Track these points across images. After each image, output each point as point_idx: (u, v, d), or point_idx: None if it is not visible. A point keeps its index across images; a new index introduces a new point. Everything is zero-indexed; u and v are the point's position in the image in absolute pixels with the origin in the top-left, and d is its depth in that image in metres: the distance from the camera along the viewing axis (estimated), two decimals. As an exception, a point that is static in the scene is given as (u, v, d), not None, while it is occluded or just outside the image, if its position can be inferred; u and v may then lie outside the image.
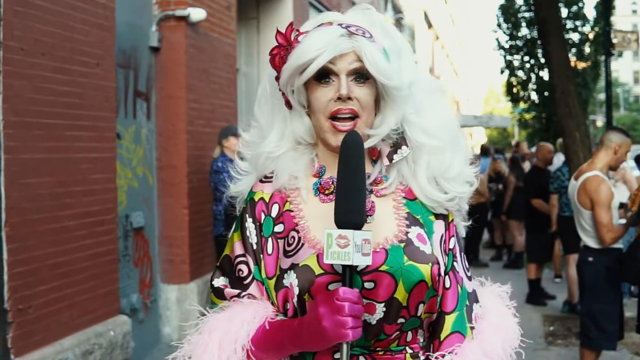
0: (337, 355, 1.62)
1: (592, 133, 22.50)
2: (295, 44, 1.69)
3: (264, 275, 1.73)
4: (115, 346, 5.45)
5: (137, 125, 6.48)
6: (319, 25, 1.72)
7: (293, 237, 1.71)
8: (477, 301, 1.77)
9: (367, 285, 1.62)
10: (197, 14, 6.85)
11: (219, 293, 1.77)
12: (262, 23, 9.84)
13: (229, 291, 1.74)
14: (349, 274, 1.55)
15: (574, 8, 19.31)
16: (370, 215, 1.69)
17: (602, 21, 14.95)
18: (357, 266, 1.56)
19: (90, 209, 5.30)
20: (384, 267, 1.63)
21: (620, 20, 43.52)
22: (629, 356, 6.53)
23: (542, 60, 17.42)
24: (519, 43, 19.99)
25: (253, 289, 1.73)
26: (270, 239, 1.74)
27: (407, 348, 1.70)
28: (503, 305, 1.83)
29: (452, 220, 1.78)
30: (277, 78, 1.73)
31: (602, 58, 15.23)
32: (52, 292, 4.83)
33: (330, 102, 1.66)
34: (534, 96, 20.29)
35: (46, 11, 4.80)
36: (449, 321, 1.70)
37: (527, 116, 21.72)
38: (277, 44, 1.72)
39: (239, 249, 1.76)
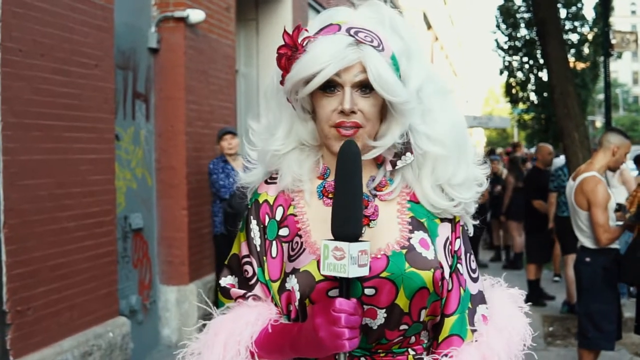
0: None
1: (591, 134, 22.50)
2: (301, 51, 1.63)
3: (267, 278, 1.73)
4: (114, 347, 5.45)
5: (136, 127, 6.48)
6: (327, 26, 1.67)
7: (297, 242, 1.71)
8: (483, 302, 1.75)
9: (368, 291, 1.61)
10: (196, 15, 6.85)
11: (225, 292, 1.77)
12: (261, 24, 9.84)
13: (235, 291, 1.75)
14: (345, 285, 1.54)
15: (573, 9, 19.37)
16: (374, 220, 1.68)
17: (601, 22, 14.98)
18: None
19: (90, 210, 5.30)
20: (384, 274, 1.62)
21: (619, 21, 43.54)
22: (629, 356, 6.53)
23: (541, 61, 17.44)
24: (518, 44, 20.03)
25: (258, 290, 1.73)
26: (274, 242, 1.74)
27: (409, 350, 1.69)
28: (513, 307, 1.80)
29: (459, 221, 1.76)
30: (282, 82, 1.69)
31: (601, 59, 15.26)
32: (51, 293, 4.83)
33: (334, 113, 1.63)
34: (533, 97, 20.34)
35: (45, 12, 4.80)
36: (448, 324, 1.68)
37: (526, 117, 21.75)
38: (284, 43, 1.66)
39: (245, 249, 1.76)
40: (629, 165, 10.07)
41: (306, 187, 1.74)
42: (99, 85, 5.45)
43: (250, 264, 1.75)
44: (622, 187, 7.81)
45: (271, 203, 1.77)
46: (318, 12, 11.78)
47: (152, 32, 6.71)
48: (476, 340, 1.69)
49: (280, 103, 1.76)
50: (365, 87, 1.63)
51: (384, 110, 1.68)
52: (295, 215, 1.74)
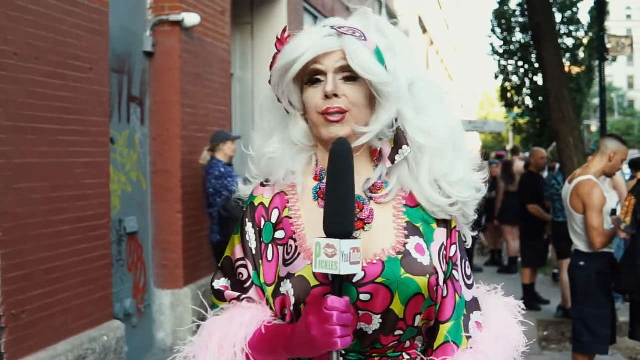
0: None
1: (586, 138, 22.55)
2: (285, 44, 1.71)
3: (262, 281, 1.72)
4: (109, 351, 5.44)
5: (131, 130, 6.48)
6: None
7: (291, 245, 1.71)
8: (478, 309, 1.75)
9: (363, 297, 1.61)
10: (191, 18, 6.85)
11: (219, 295, 1.77)
12: (256, 28, 9.85)
13: (229, 293, 1.75)
14: (338, 283, 1.54)
15: (568, 13, 19.43)
16: (369, 223, 1.68)
17: (596, 26, 15.01)
18: (347, 275, 1.54)
19: (84, 214, 5.29)
20: (380, 279, 1.62)
21: (615, 25, 43.59)
22: (623, 361, 6.54)
23: (536, 65, 17.51)
24: (513, 48, 20.10)
25: (252, 292, 1.73)
26: (270, 245, 1.74)
27: (404, 354, 1.69)
28: (508, 314, 1.80)
29: (455, 227, 1.75)
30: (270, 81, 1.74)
31: (596, 63, 15.28)
32: (45, 296, 4.82)
33: (320, 101, 1.66)
34: (528, 101, 20.40)
35: (40, 16, 4.80)
36: (443, 331, 1.68)
37: (522, 121, 21.80)
38: (276, 51, 1.73)
39: (239, 252, 1.76)
40: (624, 170, 10.08)
41: (299, 181, 1.75)
42: (93, 89, 5.44)
43: (245, 267, 1.74)
44: (613, 191, 7.82)
45: (267, 206, 1.77)
46: (313, 15, 11.80)
47: (147, 36, 6.71)
48: (471, 347, 1.69)
49: (276, 114, 1.80)
50: (349, 76, 1.66)
51: (373, 100, 1.70)
52: (290, 218, 1.74)
